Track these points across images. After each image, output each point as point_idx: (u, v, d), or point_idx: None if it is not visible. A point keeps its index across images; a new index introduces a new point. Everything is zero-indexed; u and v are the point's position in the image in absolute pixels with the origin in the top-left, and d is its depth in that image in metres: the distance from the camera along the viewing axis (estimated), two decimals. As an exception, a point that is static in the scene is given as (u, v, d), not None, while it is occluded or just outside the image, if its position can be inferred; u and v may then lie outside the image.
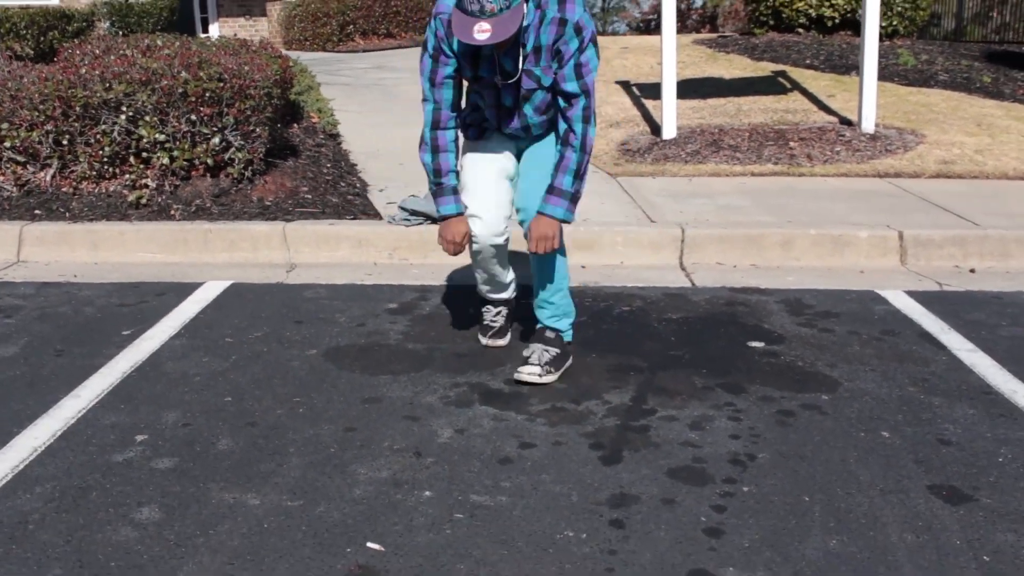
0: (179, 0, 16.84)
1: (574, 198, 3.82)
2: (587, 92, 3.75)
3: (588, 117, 3.78)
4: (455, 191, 3.96)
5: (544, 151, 4.02)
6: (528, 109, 3.91)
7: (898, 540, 2.85)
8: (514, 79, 3.79)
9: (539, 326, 4.19)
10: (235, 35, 19.28)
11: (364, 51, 16.57)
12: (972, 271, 5.85)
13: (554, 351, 4.05)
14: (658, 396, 3.87)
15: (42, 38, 14.47)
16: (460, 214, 3.96)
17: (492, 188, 4.00)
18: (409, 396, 3.86)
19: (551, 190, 3.81)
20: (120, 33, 14.81)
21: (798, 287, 5.43)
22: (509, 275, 4.34)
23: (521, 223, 3.95)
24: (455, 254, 4.02)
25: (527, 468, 3.25)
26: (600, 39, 17.11)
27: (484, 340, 4.43)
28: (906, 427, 3.62)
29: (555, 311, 4.12)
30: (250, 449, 3.41)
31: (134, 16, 15.00)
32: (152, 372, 4.15)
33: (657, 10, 39.38)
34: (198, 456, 3.36)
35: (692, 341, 4.53)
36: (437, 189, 3.98)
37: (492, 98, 3.92)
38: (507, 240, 4.07)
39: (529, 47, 3.73)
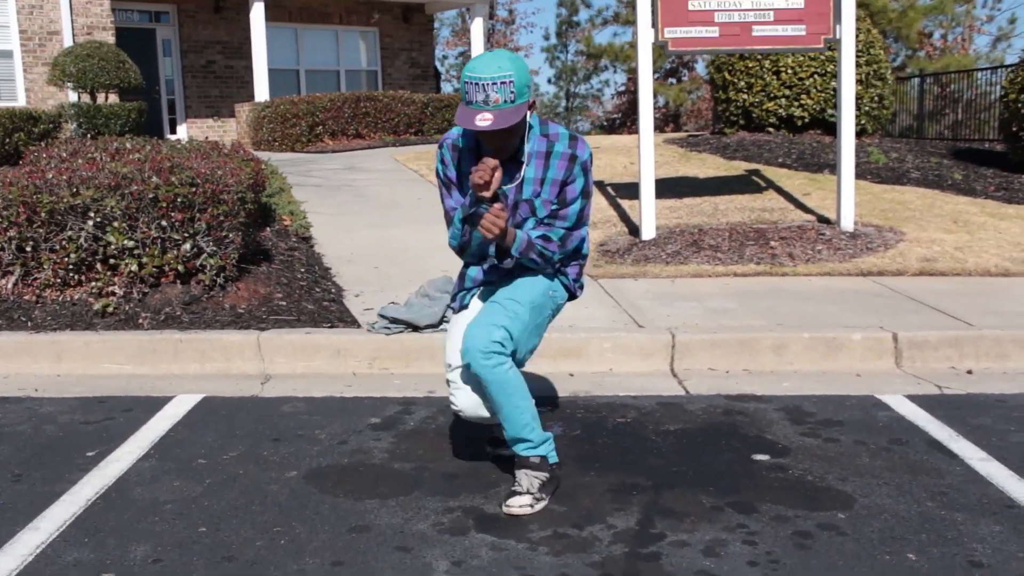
0: (147, 102, 16.72)
1: (529, 247, 3.68)
2: (578, 227, 3.81)
3: (565, 241, 3.77)
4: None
5: (506, 291, 3.83)
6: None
7: None
8: (508, 196, 3.72)
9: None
10: (204, 136, 19.18)
11: (333, 152, 16.49)
12: (969, 372, 5.68)
13: (543, 475, 3.78)
14: (666, 518, 3.61)
15: (7, 140, 14.21)
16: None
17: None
18: (399, 523, 3.57)
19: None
20: (87, 135, 14.63)
21: (795, 393, 5.23)
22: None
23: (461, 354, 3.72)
24: (487, 176, 3.52)
25: (533, 606, 2.98)
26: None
27: (492, 450, 4.21)
28: (932, 548, 3.38)
29: (530, 446, 3.81)
30: (228, 588, 3.11)
31: (102, 118, 14.80)
32: (119, 499, 3.85)
33: (621, 109, 39.96)
34: (171, 597, 3.06)
35: (694, 455, 4.29)
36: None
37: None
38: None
39: (530, 174, 3.70)
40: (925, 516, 3.65)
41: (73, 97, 15.83)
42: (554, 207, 3.72)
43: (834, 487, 3.93)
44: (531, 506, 3.67)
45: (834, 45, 8.64)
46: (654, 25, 8.34)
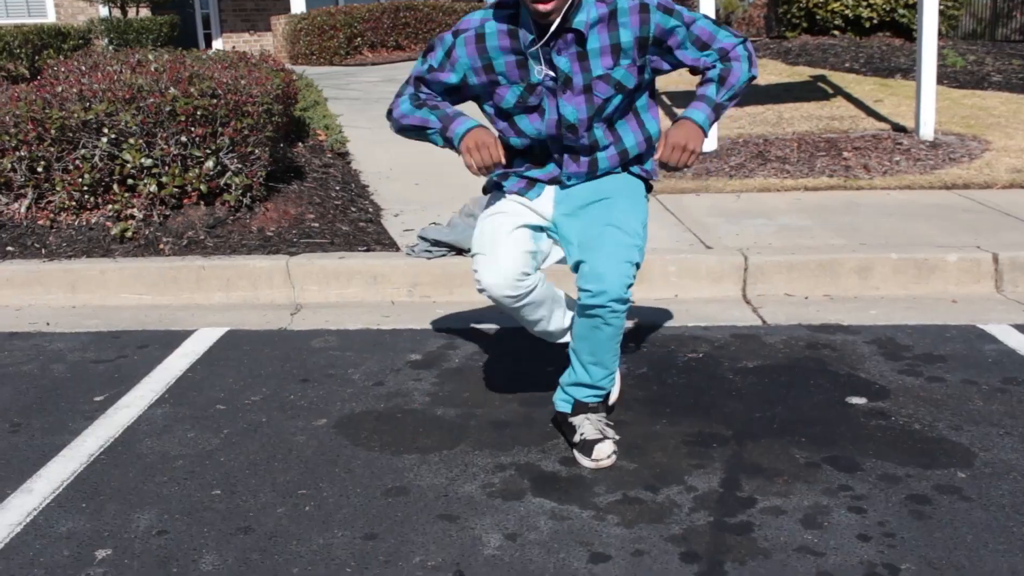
0: (180, 16, 16.15)
1: (717, 110, 3.16)
2: (733, 40, 3.14)
3: (751, 58, 3.18)
4: (461, 112, 3.20)
5: (618, 208, 3.19)
6: (598, 129, 3.15)
7: None
8: (576, 82, 3.08)
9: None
10: (237, 49, 18.66)
11: (373, 64, 15.86)
12: (1080, 297, 5.07)
13: (603, 415, 3.28)
14: (754, 478, 3.07)
15: (36, 57, 13.78)
16: (480, 125, 3.16)
17: (509, 236, 3.20)
18: (443, 484, 3.07)
19: (695, 98, 3.16)
20: (118, 49, 14.15)
21: (886, 323, 4.64)
22: (557, 311, 3.49)
23: (592, 296, 3.03)
24: (488, 163, 3.10)
25: (605, 595, 2.47)
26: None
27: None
28: (1077, 516, 2.83)
29: (598, 393, 3.29)
30: (242, 569, 2.62)
31: (133, 32, 14.29)
32: (125, 454, 3.38)
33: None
34: (174, 579, 2.59)
35: (779, 398, 3.73)
36: (442, 119, 3.18)
37: (549, 119, 3.15)
38: (529, 294, 3.20)
39: (595, 43, 3.05)
40: (1061, 474, 3.09)
41: (104, 11, 15.34)
42: (684, 49, 3.13)
43: (948, 438, 3.37)
44: (615, 451, 3.17)
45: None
46: (716, -85, 7.60)
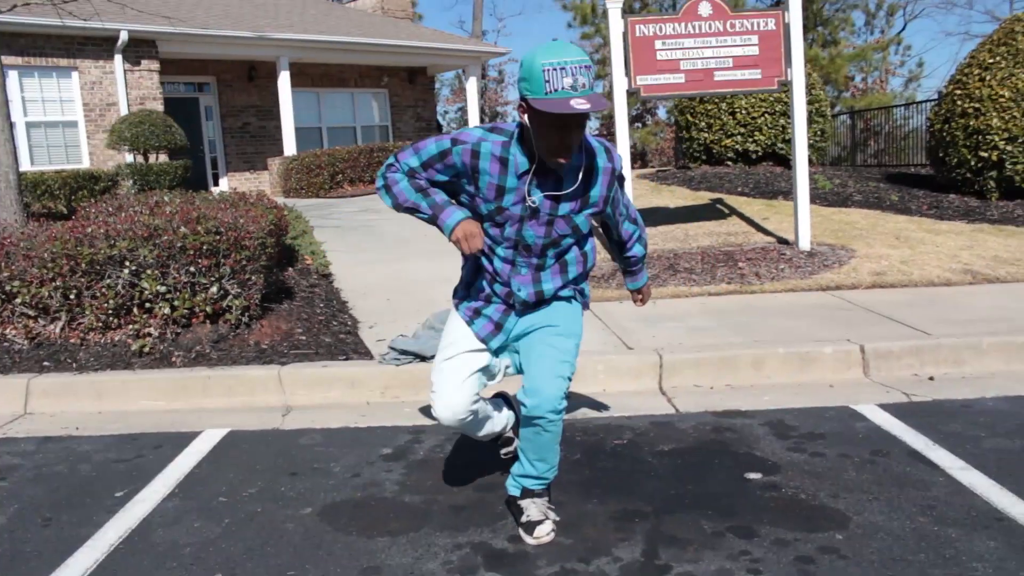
0: (192, 160, 16.19)
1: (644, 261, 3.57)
2: (639, 224, 3.45)
3: (644, 241, 3.45)
4: (449, 201, 3.11)
5: (552, 327, 3.19)
6: (550, 258, 3.15)
7: None
8: (542, 214, 3.04)
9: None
10: (243, 187, 18.67)
11: (352, 196, 15.95)
12: (931, 379, 5.15)
13: (546, 498, 3.28)
14: (670, 547, 3.07)
15: (73, 196, 13.74)
16: (467, 217, 3.08)
17: (465, 382, 3.18)
18: (410, 563, 3.03)
19: (639, 267, 3.57)
20: (141, 189, 14.13)
21: (777, 407, 4.69)
22: (496, 420, 3.50)
23: (532, 409, 3.04)
24: (475, 250, 3.07)
25: (545, 657, 2.44)
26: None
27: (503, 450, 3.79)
28: (934, 569, 2.85)
29: (543, 482, 3.29)
30: (238, 643, 2.57)
31: (153, 175, 14.29)
32: (141, 543, 3.31)
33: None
34: (180, 656, 2.52)
35: (690, 477, 3.74)
36: (432, 207, 3.08)
37: (509, 234, 3.08)
38: (472, 417, 3.24)
39: (569, 189, 3.00)
40: (920, 533, 3.12)
41: (129, 158, 15.34)
42: (621, 215, 3.29)
43: (828, 505, 3.39)
44: (554, 529, 3.16)
45: (786, 86, 8.14)
46: (627, 74, 7.84)
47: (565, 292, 3.26)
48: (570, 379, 3.07)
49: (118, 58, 15.47)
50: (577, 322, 3.26)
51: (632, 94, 7.91)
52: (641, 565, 2.94)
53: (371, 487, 3.74)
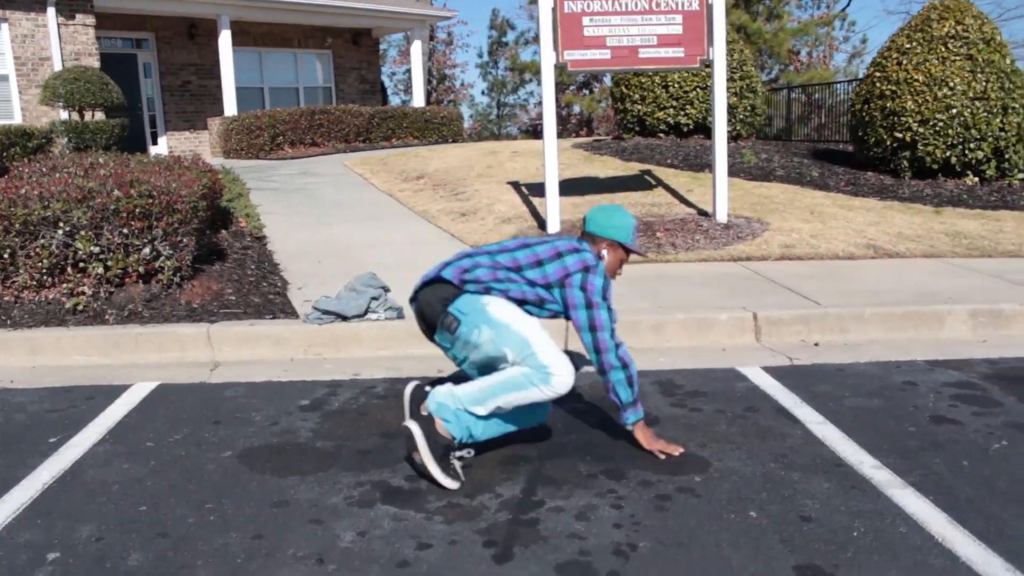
0: (130, 119, 16.23)
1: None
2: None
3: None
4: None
5: None
6: None
7: (771, 629, 2.55)
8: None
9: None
10: (182, 147, 18.74)
11: (292, 159, 16.16)
12: (816, 344, 5.68)
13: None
14: (547, 486, 3.53)
15: (3, 154, 13.75)
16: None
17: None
18: (315, 497, 3.45)
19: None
20: (77, 149, 14.18)
21: (670, 368, 5.18)
22: None
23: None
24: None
25: (424, 571, 2.88)
26: (494, 143, 16.84)
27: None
28: (771, 505, 3.35)
29: (461, 423, 3.67)
30: (159, 563, 2.97)
31: (89, 133, 14.33)
32: (73, 482, 3.68)
33: (542, 117, 39.81)
34: (107, 574, 2.92)
35: (577, 427, 4.21)
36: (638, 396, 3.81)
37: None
38: None
39: None
40: (767, 477, 3.62)
41: (64, 115, 15.33)
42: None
43: (694, 453, 3.88)
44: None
45: (709, 64, 8.59)
46: (555, 48, 8.23)
47: None
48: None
49: (51, 11, 15.40)
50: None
51: (560, 68, 8.31)
52: (519, 501, 3.39)
53: (287, 434, 4.15)
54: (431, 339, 3.83)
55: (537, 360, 3.57)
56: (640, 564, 2.91)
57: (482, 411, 3.61)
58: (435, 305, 3.69)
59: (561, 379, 3.57)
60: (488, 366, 3.69)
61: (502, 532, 3.13)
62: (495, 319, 3.62)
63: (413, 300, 3.83)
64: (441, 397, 3.64)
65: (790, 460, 3.79)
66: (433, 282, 3.76)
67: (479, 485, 3.54)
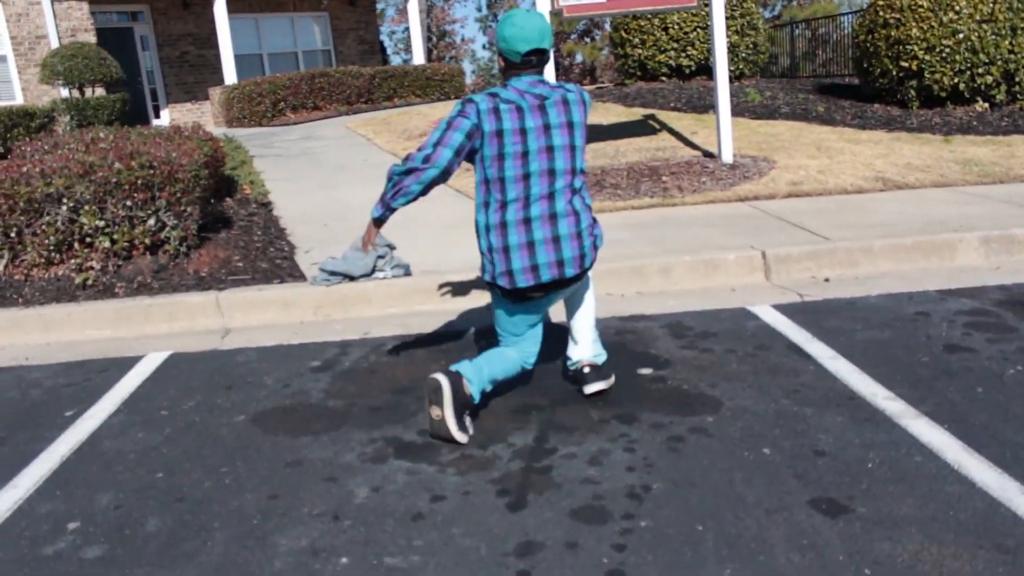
0: (130, 93, 16.18)
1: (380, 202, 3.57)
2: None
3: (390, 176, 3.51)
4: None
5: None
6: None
7: (786, 562, 2.55)
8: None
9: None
10: (180, 120, 18.67)
11: (295, 123, 16.08)
12: (827, 280, 5.63)
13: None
14: (559, 433, 3.53)
15: (8, 134, 13.74)
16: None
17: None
18: (329, 456, 3.47)
19: None
20: (79, 125, 14.15)
21: (679, 310, 5.15)
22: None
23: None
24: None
25: (438, 523, 2.89)
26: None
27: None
28: (784, 441, 3.34)
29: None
30: (177, 527, 2.99)
31: (90, 110, 14.29)
32: (90, 453, 3.71)
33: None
34: (127, 540, 2.94)
35: (588, 373, 4.20)
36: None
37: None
38: None
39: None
40: (780, 413, 3.60)
41: (64, 93, 15.30)
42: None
43: (706, 393, 3.87)
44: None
45: (707, 3, 8.44)
46: (551, -3, 8.10)
47: None
48: None
49: (45, -12, 15.32)
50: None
51: (555, 15, 8.19)
52: (532, 449, 3.40)
53: (299, 395, 4.16)
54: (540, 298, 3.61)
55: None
56: (654, 505, 2.91)
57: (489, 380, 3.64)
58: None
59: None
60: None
61: (515, 481, 3.14)
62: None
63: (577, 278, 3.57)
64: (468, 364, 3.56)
65: (803, 396, 3.77)
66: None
67: (491, 435, 3.54)
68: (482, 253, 3.51)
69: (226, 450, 3.60)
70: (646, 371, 4.18)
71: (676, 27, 12.69)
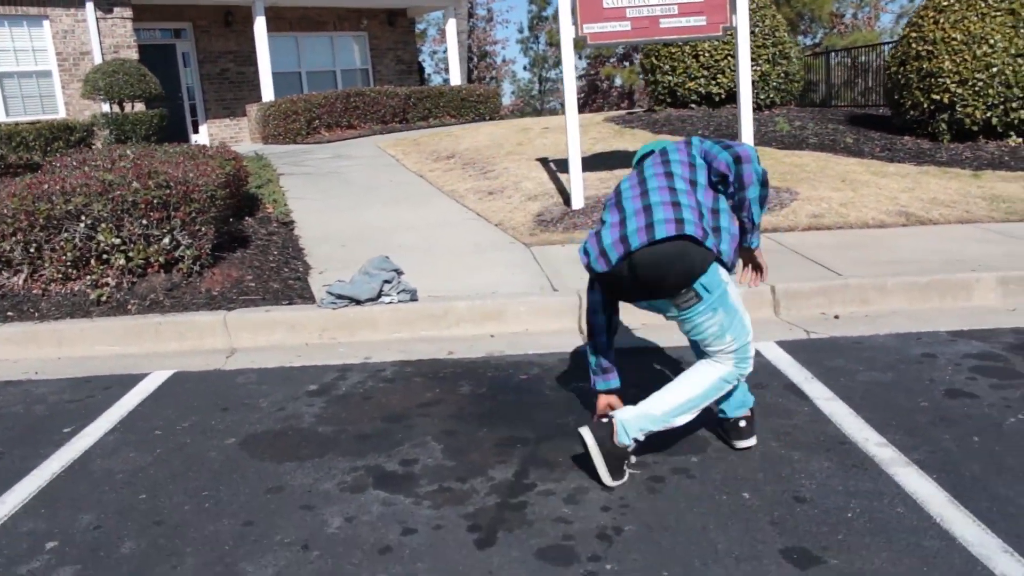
0: (169, 109, 16.45)
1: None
2: None
3: None
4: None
5: None
6: None
7: (749, 613, 2.51)
8: None
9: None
10: (218, 136, 18.94)
11: (328, 142, 16.24)
12: (836, 317, 5.56)
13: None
14: (540, 469, 3.51)
15: (48, 148, 14.04)
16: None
17: None
18: (309, 483, 3.48)
19: None
20: (118, 140, 14.41)
21: (682, 344, 5.09)
22: None
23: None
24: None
25: (405, 558, 2.88)
26: (526, 120, 16.74)
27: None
28: (765, 486, 3.29)
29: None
30: (151, 551, 3.02)
31: (129, 125, 14.55)
32: (80, 472, 3.75)
33: (583, 90, 39.48)
34: (100, 561, 2.97)
35: (579, 407, 4.18)
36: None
37: None
38: None
39: None
40: (766, 456, 3.55)
41: (105, 108, 15.58)
42: None
43: (692, 431, 3.82)
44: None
45: (732, 31, 8.42)
46: (575, 22, 8.12)
47: None
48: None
49: (89, 5, 15.64)
50: None
51: (579, 42, 8.20)
52: (510, 484, 3.38)
53: (291, 419, 4.18)
54: (630, 301, 3.39)
55: (748, 348, 3.39)
56: (623, 548, 2.88)
57: (665, 426, 3.39)
58: (675, 277, 3.17)
59: (752, 363, 3.48)
60: (697, 342, 3.51)
61: (488, 516, 3.12)
62: (731, 304, 3.29)
63: (624, 258, 3.21)
64: (627, 416, 3.35)
65: (792, 438, 3.72)
66: (672, 239, 3.16)
67: (472, 468, 3.53)
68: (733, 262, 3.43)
69: (211, 473, 3.63)
70: (638, 407, 4.13)
71: (707, 55, 12.66)
